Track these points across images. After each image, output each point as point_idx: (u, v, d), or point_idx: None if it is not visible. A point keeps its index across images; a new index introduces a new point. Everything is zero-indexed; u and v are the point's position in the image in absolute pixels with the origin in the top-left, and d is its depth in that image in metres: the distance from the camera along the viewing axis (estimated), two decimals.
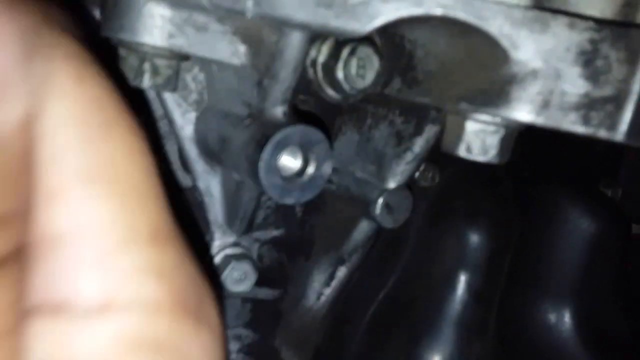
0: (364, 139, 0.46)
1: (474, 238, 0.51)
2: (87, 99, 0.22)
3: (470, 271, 0.51)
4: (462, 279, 0.51)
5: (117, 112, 0.23)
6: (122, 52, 0.34)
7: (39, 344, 0.21)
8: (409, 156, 0.42)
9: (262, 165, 0.35)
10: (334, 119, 0.49)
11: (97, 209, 0.22)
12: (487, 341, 0.54)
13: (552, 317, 0.63)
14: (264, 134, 0.36)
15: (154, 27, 0.32)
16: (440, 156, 0.44)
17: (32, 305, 0.22)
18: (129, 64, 0.34)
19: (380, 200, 0.44)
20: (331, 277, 0.54)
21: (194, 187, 0.46)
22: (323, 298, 0.54)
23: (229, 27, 0.34)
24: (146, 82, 0.34)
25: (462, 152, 0.33)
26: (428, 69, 0.34)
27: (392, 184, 0.44)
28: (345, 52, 0.34)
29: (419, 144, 0.41)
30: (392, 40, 0.36)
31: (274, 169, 0.36)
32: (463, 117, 0.33)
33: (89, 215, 0.22)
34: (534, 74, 0.29)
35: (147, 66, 0.34)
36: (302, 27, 0.30)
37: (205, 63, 0.39)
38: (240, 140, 0.37)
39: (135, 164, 0.22)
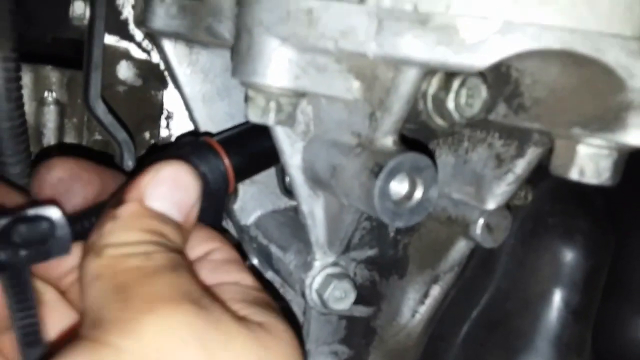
0: (460, 161, 0.47)
1: (571, 255, 0.51)
2: None
3: (567, 289, 0.51)
4: (559, 297, 0.52)
5: None
6: (250, 93, 0.37)
7: None
8: (510, 177, 0.43)
9: (376, 191, 0.38)
10: (427, 142, 0.50)
11: None
12: (585, 358, 0.54)
13: None
14: (376, 162, 0.38)
15: (283, 70, 0.35)
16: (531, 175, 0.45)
17: None
18: (255, 103, 0.37)
19: (481, 221, 0.45)
20: (425, 295, 0.55)
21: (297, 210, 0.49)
22: (418, 316, 0.56)
23: (344, 65, 0.37)
24: (271, 119, 0.37)
25: (574, 175, 0.34)
26: (536, 96, 0.36)
27: (492, 205, 0.45)
28: (455, 84, 0.36)
29: (521, 166, 0.42)
30: (497, 68, 0.37)
31: (387, 194, 0.38)
32: (575, 141, 0.34)
33: None
34: None
35: (272, 105, 0.37)
36: (421, 64, 0.33)
37: (313, 97, 0.42)
38: (351, 168, 0.40)
39: None
